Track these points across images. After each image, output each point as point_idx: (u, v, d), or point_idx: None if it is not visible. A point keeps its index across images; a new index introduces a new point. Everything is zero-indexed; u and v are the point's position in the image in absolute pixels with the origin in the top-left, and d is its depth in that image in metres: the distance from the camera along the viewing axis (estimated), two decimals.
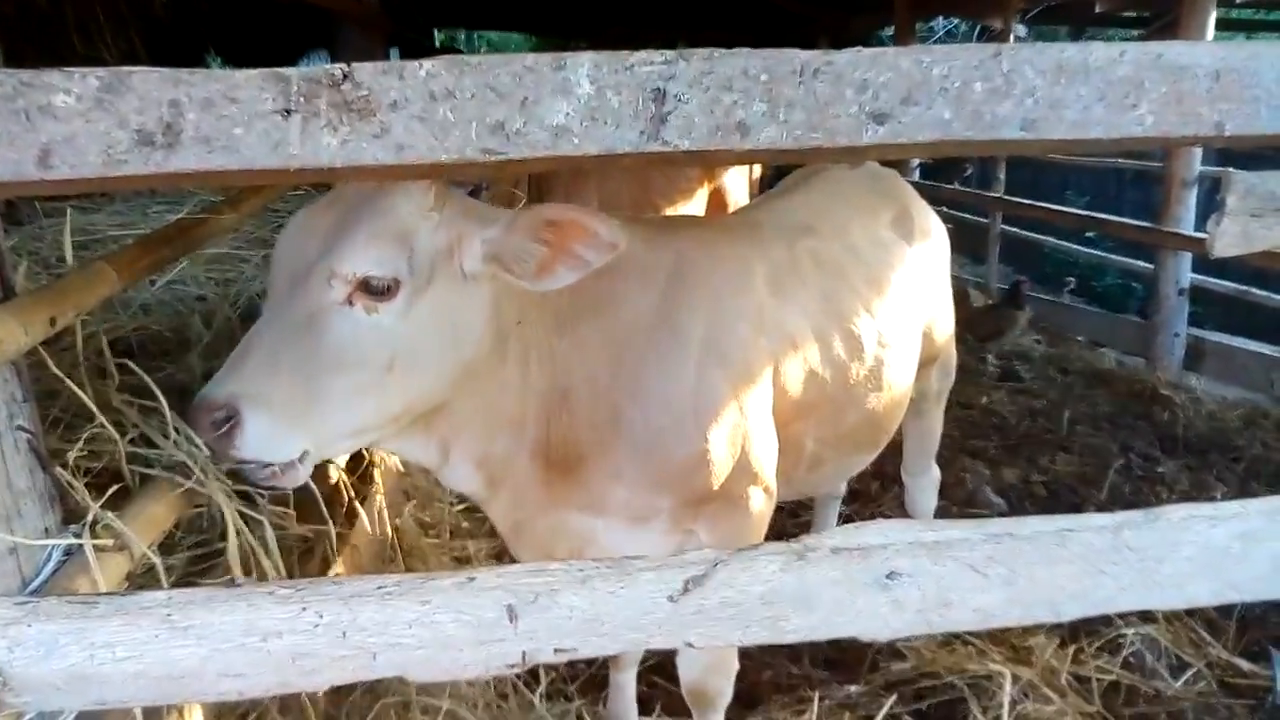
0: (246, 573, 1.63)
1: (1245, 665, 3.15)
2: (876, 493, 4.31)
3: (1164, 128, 1.27)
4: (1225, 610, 3.40)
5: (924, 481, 3.53)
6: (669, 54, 1.17)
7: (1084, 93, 1.24)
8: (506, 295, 1.81)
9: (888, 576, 1.31)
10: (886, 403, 2.57)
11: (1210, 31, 5.73)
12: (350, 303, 1.60)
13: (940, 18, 12.15)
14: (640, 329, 1.99)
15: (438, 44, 12.46)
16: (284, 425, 1.51)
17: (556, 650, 1.24)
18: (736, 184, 4.76)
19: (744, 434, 2.06)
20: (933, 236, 3.04)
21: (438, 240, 1.68)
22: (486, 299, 1.76)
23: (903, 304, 2.65)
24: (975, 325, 6.37)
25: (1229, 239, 1.45)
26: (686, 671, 2.35)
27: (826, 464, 2.53)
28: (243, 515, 1.63)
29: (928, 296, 2.92)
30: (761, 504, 2.16)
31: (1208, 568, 1.41)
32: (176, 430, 1.63)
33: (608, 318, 1.98)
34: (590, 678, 2.97)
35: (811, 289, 2.34)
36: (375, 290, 1.60)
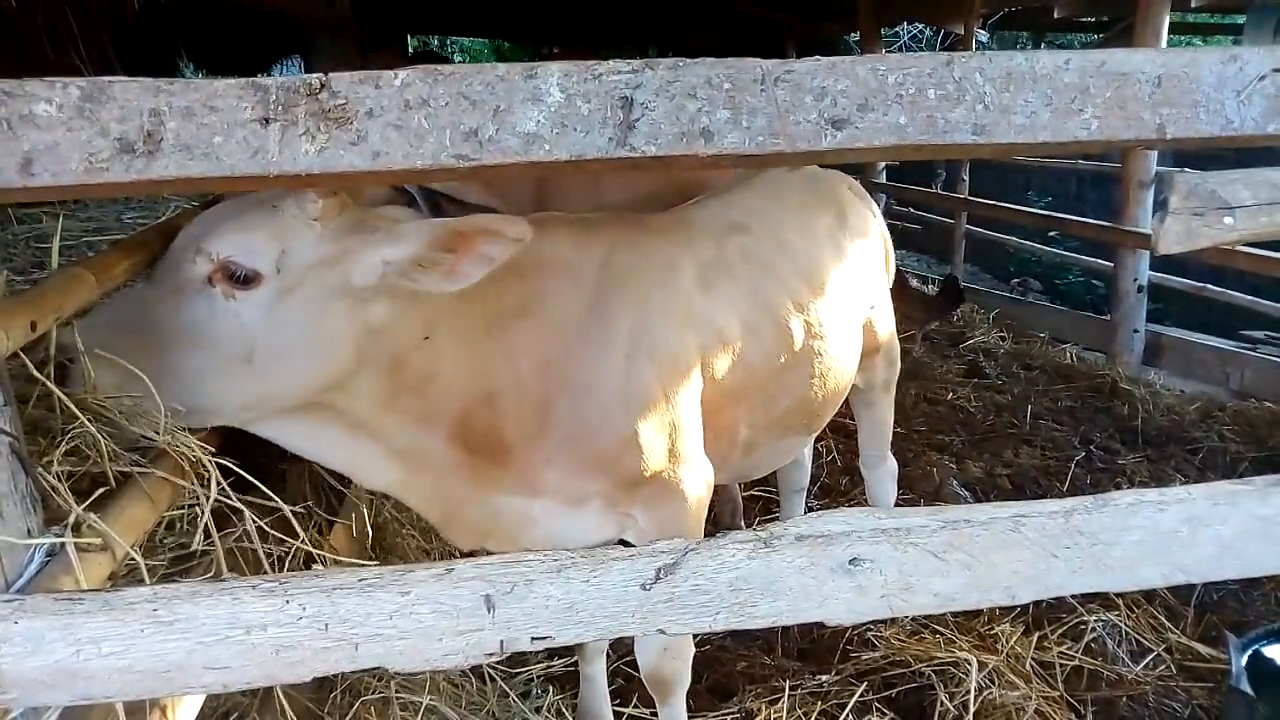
0: (231, 569, 1.66)
1: (1203, 649, 3.25)
2: (846, 486, 4.40)
3: (1108, 132, 1.34)
4: (1184, 596, 3.50)
5: (881, 473, 3.62)
6: (636, 63, 1.22)
7: (1031, 99, 1.31)
8: (407, 315, 1.83)
9: (851, 562, 1.36)
10: (820, 389, 2.68)
11: (1164, 35, 5.87)
12: (211, 283, 1.67)
13: (905, 23, 12.32)
14: (570, 326, 2.06)
15: (411, 50, 12.39)
16: (120, 380, 1.57)
17: (533, 638, 1.28)
18: None
19: (673, 421, 2.15)
20: (870, 235, 3.15)
21: (319, 250, 1.71)
22: (372, 317, 1.78)
23: (837, 298, 2.75)
24: (914, 307, 6.50)
25: (1172, 237, 1.52)
26: (643, 657, 2.41)
27: (760, 448, 2.63)
28: (227, 510, 1.65)
29: (865, 291, 3.02)
30: (698, 489, 2.25)
31: (1156, 551, 1.47)
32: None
33: (535, 319, 2.04)
34: (569, 672, 3.01)
35: (741, 284, 2.43)
36: (236, 277, 1.66)
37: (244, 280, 1.66)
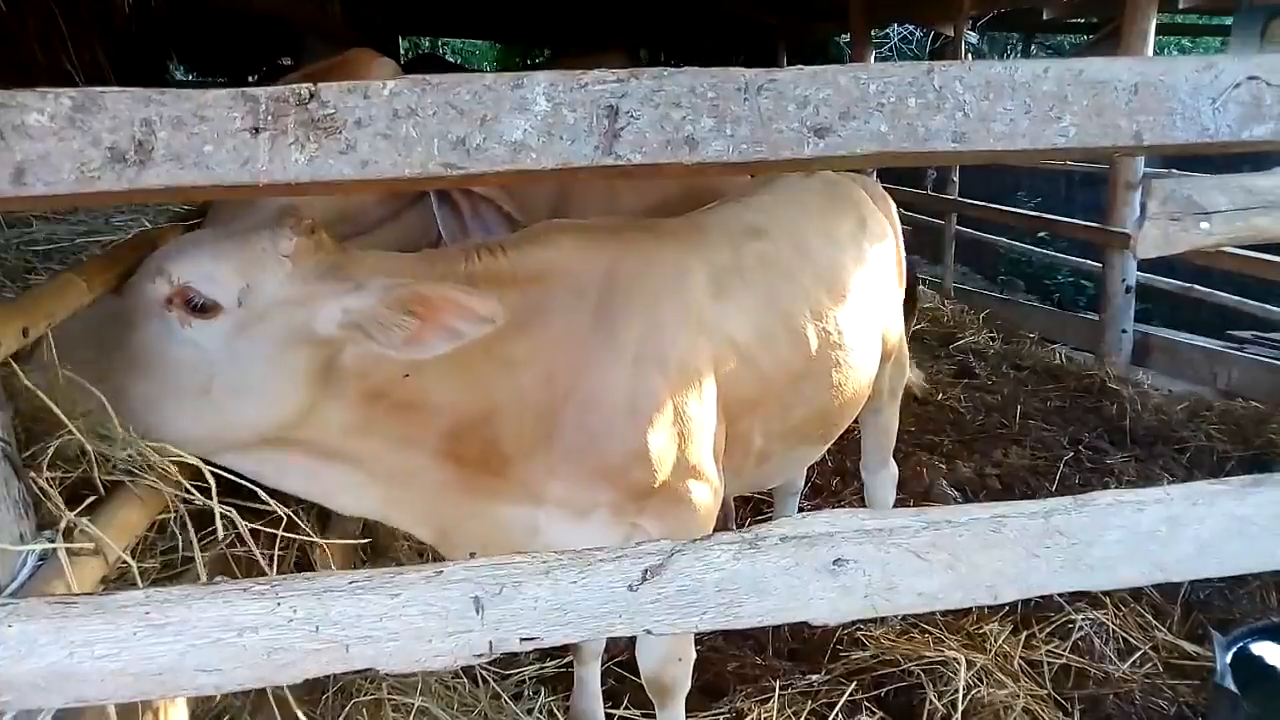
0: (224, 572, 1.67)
1: (1189, 647, 3.28)
2: (837, 487, 4.41)
3: (1086, 139, 1.36)
4: (1170, 595, 3.53)
5: (882, 477, 3.63)
6: (621, 73, 1.24)
7: (1010, 106, 1.33)
8: (384, 357, 1.73)
9: (835, 563, 1.38)
10: (837, 398, 2.64)
11: (1151, 36, 5.91)
12: (170, 307, 1.63)
13: (895, 25, 12.36)
14: (574, 336, 2.01)
15: (403, 51, 12.38)
16: (61, 404, 1.50)
17: (522, 639, 1.30)
18: None
19: (683, 431, 2.10)
20: (887, 240, 3.13)
21: (286, 290, 1.66)
22: (343, 361, 1.73)
23: (856, 304, 2.71)
24: None
25: (1151, 241, 1.55)
26: (645, 662, 2.42)
27: (774, 457, 2.59)
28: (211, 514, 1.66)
29: (882, 297, 3.01)
30: (706, 498, 2.21)
31: (1135, 550, 1.49)
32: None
33: (537, 331, 1.98)
34: (561, 674, 3.02)
35: (756, 290, 2.38)
36: (193, 305, 1.61)
37: (201, 309, 1.62)
